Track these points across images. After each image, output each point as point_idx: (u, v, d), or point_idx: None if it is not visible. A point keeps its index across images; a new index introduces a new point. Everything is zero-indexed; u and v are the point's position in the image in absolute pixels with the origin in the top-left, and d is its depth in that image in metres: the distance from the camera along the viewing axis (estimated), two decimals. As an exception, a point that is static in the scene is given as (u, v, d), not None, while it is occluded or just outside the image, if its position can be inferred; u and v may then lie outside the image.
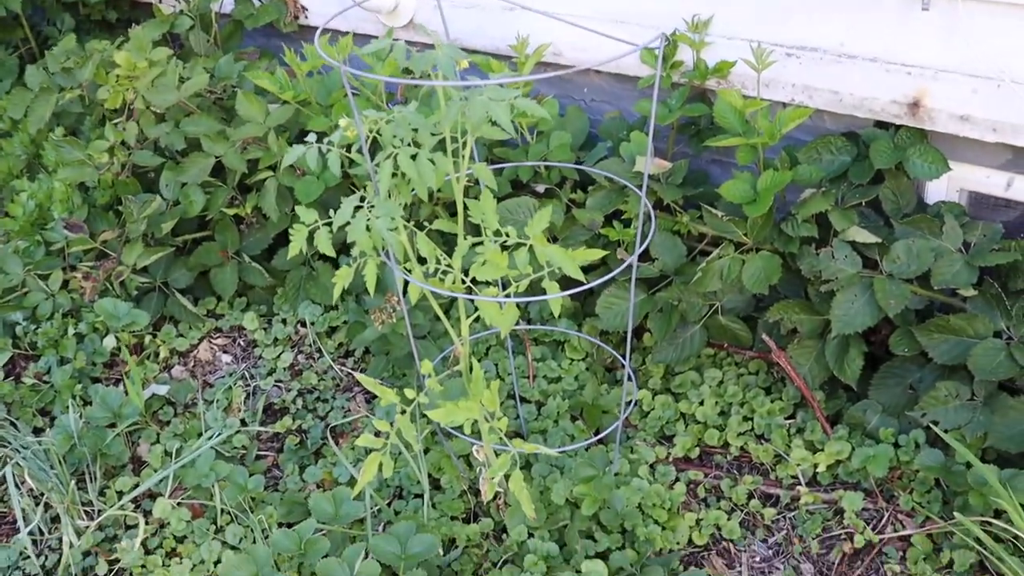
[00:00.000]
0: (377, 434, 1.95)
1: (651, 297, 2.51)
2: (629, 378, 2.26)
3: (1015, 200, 2.44)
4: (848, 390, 2.44)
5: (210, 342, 2.90)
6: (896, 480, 2.30)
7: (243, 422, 2.60)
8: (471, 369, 2.00)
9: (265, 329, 2.89)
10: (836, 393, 2.46)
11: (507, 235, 1.84)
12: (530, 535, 2.13)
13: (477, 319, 2.60)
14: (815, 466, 2.33)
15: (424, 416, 2.32)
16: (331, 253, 1.92)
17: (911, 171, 2.37)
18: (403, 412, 1.93)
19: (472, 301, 1.93)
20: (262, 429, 2.59)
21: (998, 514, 2.11)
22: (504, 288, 2.00)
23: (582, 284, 2.65)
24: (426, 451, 2.35)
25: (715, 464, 2.42)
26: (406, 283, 2.00)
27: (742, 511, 2.30)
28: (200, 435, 2.52)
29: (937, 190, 2.53)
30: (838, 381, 2.40)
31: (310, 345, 2.82)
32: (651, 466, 2.36)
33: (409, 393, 1.94)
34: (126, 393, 2.61)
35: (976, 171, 2.44)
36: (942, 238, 2.34)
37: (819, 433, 2.38)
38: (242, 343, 2.90)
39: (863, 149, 2.46)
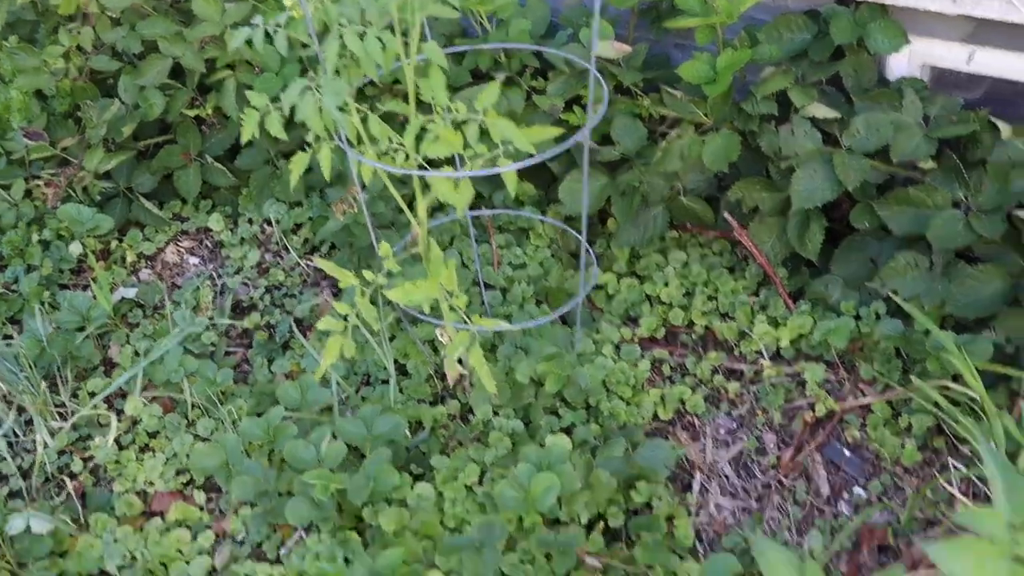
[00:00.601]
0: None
1: (613, 180, 2.51)
2: (587, 251, 2.27)
3: (977, 74, 2.43)
4: (810, 266, 2.46)
5: (177, 245, 2.90)
6: (857, 351, 2.33)
7: (212, 321, 2.61)
8: (430, 252, 2.00)
9: (231, 230, 2.88)
10: (799, 269, 2.48)
11: (457, 111, 1.83)
12: (495, 414, 2.16)
13: (441, 208, 2.60)
14: (778, 340, 2.36)
15: (389, 304, 2.34)
16: (283, 136, 1.91)
17: (871, 46, 2.36)
18: (363, 295, 1.94)
19: (427, 183, 1.93)
20: (230, 323, 2.60)
21: (955, 379, 2.14)
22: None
23: (544, 168, 2.65)
24: (392, 339, 2.37)
25: (680, 343, 2.45)
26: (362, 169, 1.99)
27: (707, 386, 2.33)
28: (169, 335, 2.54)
29: (898, 66, 2.52)
30: (800, 257, 2.42)
31: (276, 243, 2.82)
32: (616, 346, 2.38)
33: (368, 275, 1.95)
34: (94, 297, 2.61)
35: (937, 45, 2.43)
36: (902, 112, 2.33)
37: (782, 309, 2.41)
38: (209, 244, 2.90)
39: (823, 27, 2.44)
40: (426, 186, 2.00)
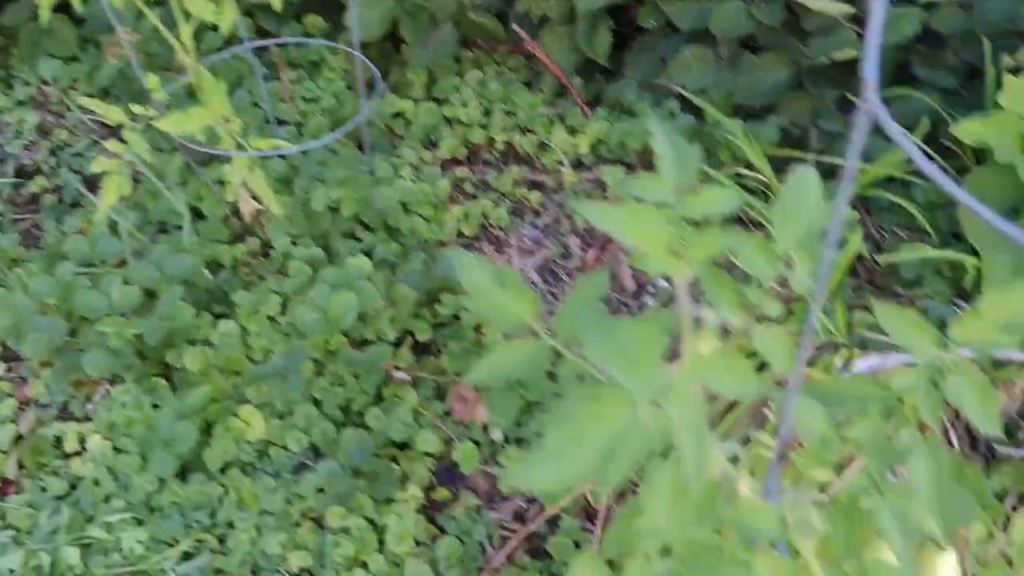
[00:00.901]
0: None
1: (400, 2, 2.43)
2: (365, 64, 2.21)
3: None
4: (605, 72, 2.46)
5: (-52, 116, 2.70)
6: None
7: (-6, 190, 2.46)
8: (201, 80, 1.91)
9: (6, 93, 2.70)
10: (593, 77, 2.47)
11: (207, -78, 1.73)
12: (294, 244, 2.11)
13: (226, 46, 2.48)
14: (577, 148, 2.37)
15: (175, 149, 2.24)
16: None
17: None
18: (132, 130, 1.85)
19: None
20: (14, 184, 2.45)
21: (748, 167, 2.19)
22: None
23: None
24: (185, 184, 2.28)
25: (482, 161, 2.43)
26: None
27: (510, 200, 2.34)
28: (-52, 208, 2.39)
29: None
30: (594, 64, 2.42)
31: (58, 102, 2.66)
32: (415, 168, 2.35)
33: (137, 108, 1.85)
34: None
35: None
36: (677, -94, 2.32)
37: (579, 117, 2.41)
38: (-16, 112, 2.72)
39: None
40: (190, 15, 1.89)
